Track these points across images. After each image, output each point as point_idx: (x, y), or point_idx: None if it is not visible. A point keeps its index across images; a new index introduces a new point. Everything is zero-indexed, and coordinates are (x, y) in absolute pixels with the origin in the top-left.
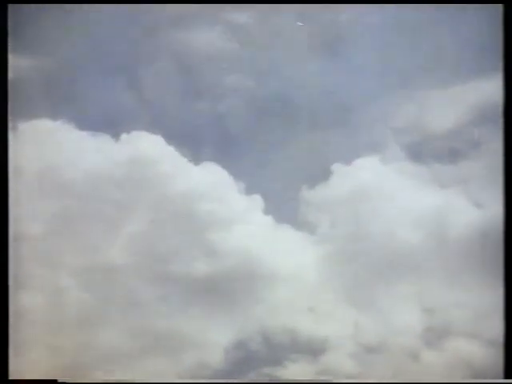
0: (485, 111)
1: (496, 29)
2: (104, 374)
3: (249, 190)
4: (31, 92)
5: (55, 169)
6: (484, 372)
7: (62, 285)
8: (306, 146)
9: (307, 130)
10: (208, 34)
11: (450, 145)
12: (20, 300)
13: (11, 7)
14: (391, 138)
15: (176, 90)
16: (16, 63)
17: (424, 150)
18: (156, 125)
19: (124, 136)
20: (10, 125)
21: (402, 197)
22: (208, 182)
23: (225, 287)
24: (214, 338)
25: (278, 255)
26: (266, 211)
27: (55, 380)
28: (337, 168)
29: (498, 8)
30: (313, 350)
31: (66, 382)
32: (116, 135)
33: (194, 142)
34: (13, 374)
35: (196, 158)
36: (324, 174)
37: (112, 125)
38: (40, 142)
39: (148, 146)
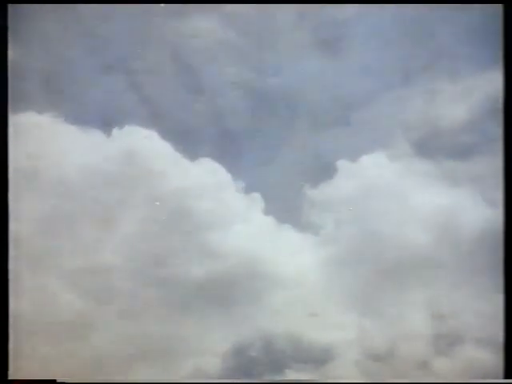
0: (499, 104)
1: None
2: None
3: (248, 189)
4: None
5: (44, 165)
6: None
7: (51, 287)
8: (309, 141)
9: (310, 125)
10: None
11: (461, 140)
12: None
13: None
14: (399, 133)
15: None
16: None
17: (434, 146)
18: (151, 119)
19: (116, 131)
20: None
21: (410, 196)
22: (205, 179)
23: (222, 291)
24: (212, 344)
25: (279, 257)
26: (267, 211)
27: (54, 380)
28: (342, 165)
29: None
30: (316, 357)
31: (66, 382)
32: (108, 130)
33: (190, 137)
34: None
35: (192, 155)
36: (328, 172)
37: (104, 119)
38: (28, 136)
39: (142, 142)
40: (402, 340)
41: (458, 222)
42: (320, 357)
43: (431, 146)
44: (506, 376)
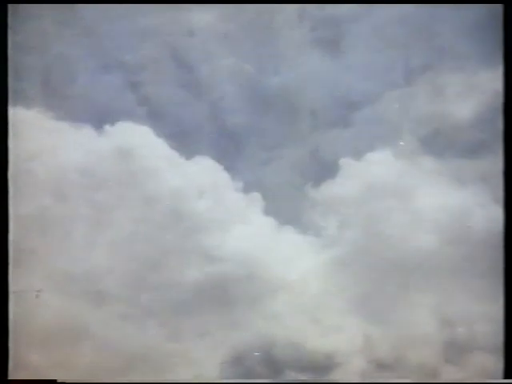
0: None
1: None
2: None
3: (247, 188)
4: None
5: (32, 161)
6: None
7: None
8: (310, 139)
9: (312, 122)
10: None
11: (471, 137)
12: None
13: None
14: (405, 129)
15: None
16: None
17: (442, 143)
18: (145, 115)
19: (108, 127)
20: None
21: (417, 195)
22: (202, 178)
23: (220, 296)
24: (209, 352)
25: (279, 260)
26: (267, 211)
27: (55, 380)
28: (345, 163)
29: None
30: (318, 366)
31: (66, 382)
32: (100, 126)
33: (187, 134)
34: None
35: (188, 152)
36: (331, 170)
37: (96, 115)
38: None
39: (136, 139)
40: (409, 347)
41: (466, 222)
42: (322, 364)
43: (436, 143)
44: (506, 376)
